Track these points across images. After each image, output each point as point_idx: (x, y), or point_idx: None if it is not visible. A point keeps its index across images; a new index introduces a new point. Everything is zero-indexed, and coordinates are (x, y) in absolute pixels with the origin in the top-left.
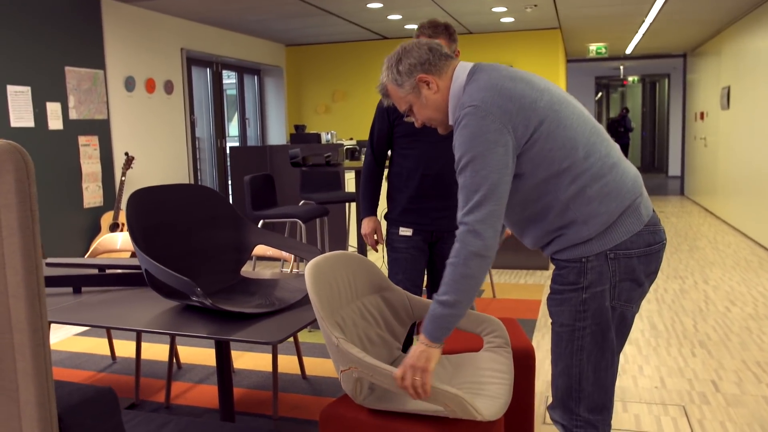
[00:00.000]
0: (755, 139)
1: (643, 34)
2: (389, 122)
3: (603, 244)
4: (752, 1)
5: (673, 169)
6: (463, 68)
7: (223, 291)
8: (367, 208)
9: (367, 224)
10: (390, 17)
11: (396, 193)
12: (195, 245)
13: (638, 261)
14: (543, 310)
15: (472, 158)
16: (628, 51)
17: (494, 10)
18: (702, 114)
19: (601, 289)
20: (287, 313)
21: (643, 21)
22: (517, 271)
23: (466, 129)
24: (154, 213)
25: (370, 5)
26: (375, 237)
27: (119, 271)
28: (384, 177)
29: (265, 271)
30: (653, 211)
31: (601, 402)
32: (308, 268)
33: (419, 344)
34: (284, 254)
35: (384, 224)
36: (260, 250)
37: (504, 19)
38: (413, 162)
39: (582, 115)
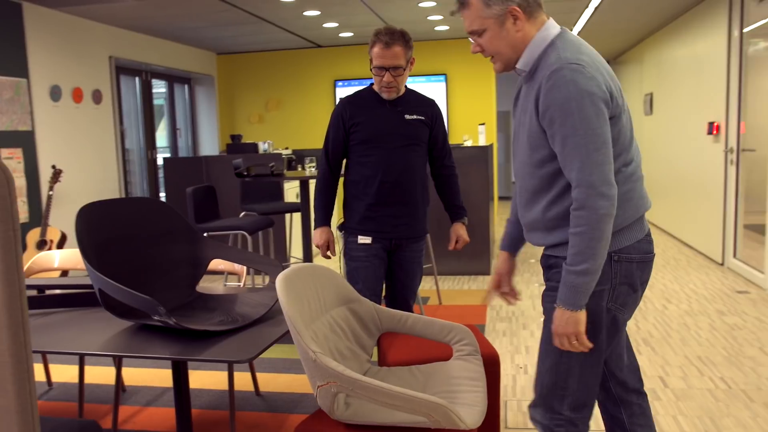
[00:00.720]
0: (677, 143)
1: None
2: (345, 130)
3: (610, 246)
4: (672, 12)
5: None
6: (553, 25)
7: (181, 308)
8: (321, 218)
9: (320, 235)
10: (326, 25)
11: (353, 201)
12: (148, 261)
13: (637, 267)
14: (490, 315)
15: (586, 117)
16: None
17: (429, 18)
18: None
19: (600, 290)
20: (253, 329)
21: (571, 30)
22: (459, 277)
23: (575, 85)
24: (105, 228)
25: (306, 13)
26: (328, 248)
27: (62, 291)
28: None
29: (213, 286)
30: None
31: (583, 400)
32: (279, 282)
33: (561, 312)
34: (236, 268)
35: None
36: (211, 264)
37: (439, 27)
38: (371, 169)
39: (630, 123)
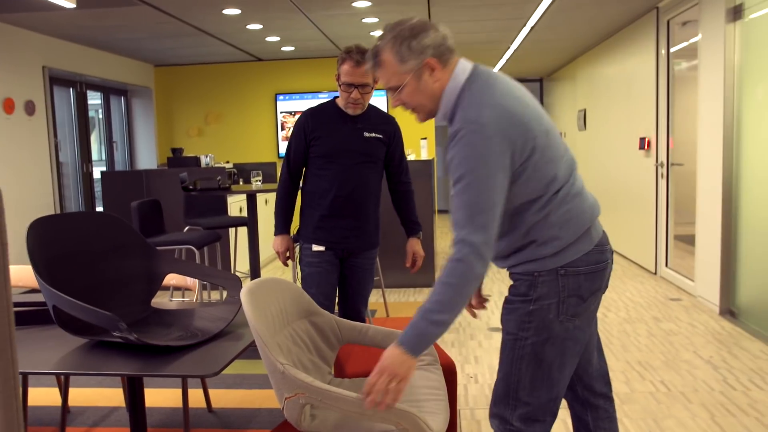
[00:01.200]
0: (611, 157)
1: (507, 60)
2: (306, 142)
3: (555, 262)
4: (605, 32)
5: None
6: (462, 68)
7: (137, 324)
8: (282, 226)
9: (281, 242)
10: (268, 39)
11: (309, 210)
12: (101, 276)
13: (584, 278)
14: None
15: (477, 178)
16: None
17: (372, 33)
18: (561, 134)
19: (548, 303)
20: (213, 344)
21: (508, 48)
22: (405, 289)
23: (471, 147)
24: (56, 243)
25: (249, 26)
26: (287, 255)
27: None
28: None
29: (160, 301)
30: (603, 232)
31: (534, 414)
32: (244, 295)
33: (399, 352)
34: (189, 282)
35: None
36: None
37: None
38: (327, 182)
39: (560, 145)
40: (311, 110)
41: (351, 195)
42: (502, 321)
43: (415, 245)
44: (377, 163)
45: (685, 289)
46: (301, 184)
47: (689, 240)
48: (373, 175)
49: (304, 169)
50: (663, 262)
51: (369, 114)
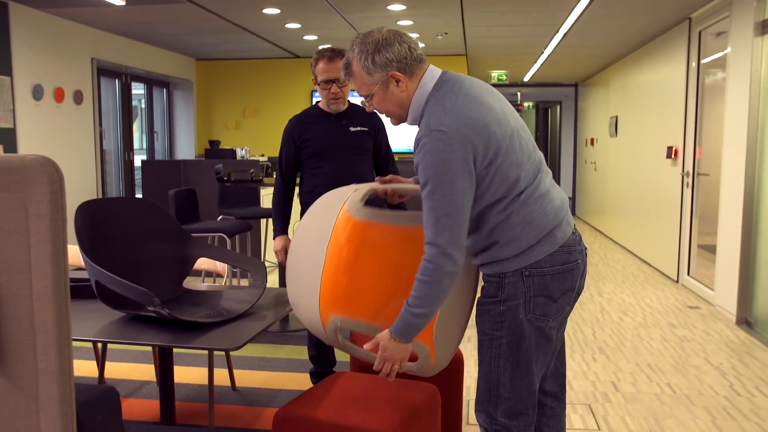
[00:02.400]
0: (639, 165)
1: (541, 65)
2: (295, 146)
3: (519, 263)
4: (637, 40)
5: (565, 190)
6: (431, 76)
7: (169, 302)
8: (279, 228)
9: (279, 242)
10: (306, 37)
11: (308, 208)
12: (139, 257)
13: (551, 278)
14: None
15: (440, 183)
16: (526, 79)
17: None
18: (593, 140)
19: (516, 303)
20: (238, 323)
21: (542, 52)
22: None
23: (433, 154)
24: (100, 225)
25: (288, 25)
26: (285, 254)
27: None
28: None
29: (193, 284)
30: (573, 233)
31: (517, 409)
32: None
33: (394, 341)
34: (218, 267)
35: None
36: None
37: None
38: (322, 179)
39: (528, 146)
40: (296, 117)
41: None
42: (477, 322)
43: None
44: (367, 154)
45: (705, 297)
46: (298, 188)
47: (713, 249)
48: (365, 166)
49: (298, 175)
50: (685, 270)
51: (351, 110)
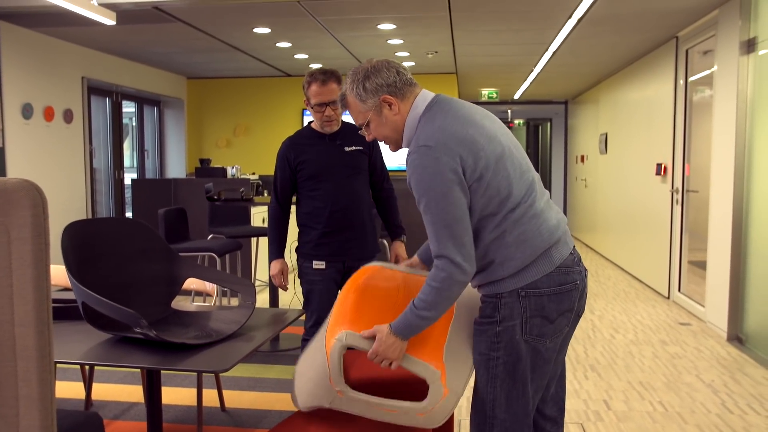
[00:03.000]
0: (629, 181)
1: (531, 82)
2: (291, 169)
3: (515, 283)
4: (626, 58)
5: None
6: (423, 98)
7: (157, 323)
8: (275, 252)
9: (275, 266)
10: (297, 56)
11: (306, 229)
12: (127, 278)
13: (548, 299)
14: None
15: (434, 197)
16: (516, 96)
17: (397, 54)
18: (583, 157)
19: (512, 324)
20: (227, 344)
21: (532, 70)
22: None
23: (423, 169)
24: (87, 245)
25: (279, 44)
26: (282, 278)
27: None
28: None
29: (182, 304)
30: (571, 253)
31: (512, 429)
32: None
33: (392, 337)
34: (208, 287)
35: (293, 257)
36: (186, 283)
37: (405, 63)
38: (320, 201)
39: (521, 165)
40: (290, 139)
41: (346, 209)
42: (474, 342)
43: (398, 248)
44: (363, 173)
45: (696, 314)
46: (294, 208)
47: (703, 266)
48: (362, 186)
49: (294, 196)
50: (676, 286)
51: (345, 130)
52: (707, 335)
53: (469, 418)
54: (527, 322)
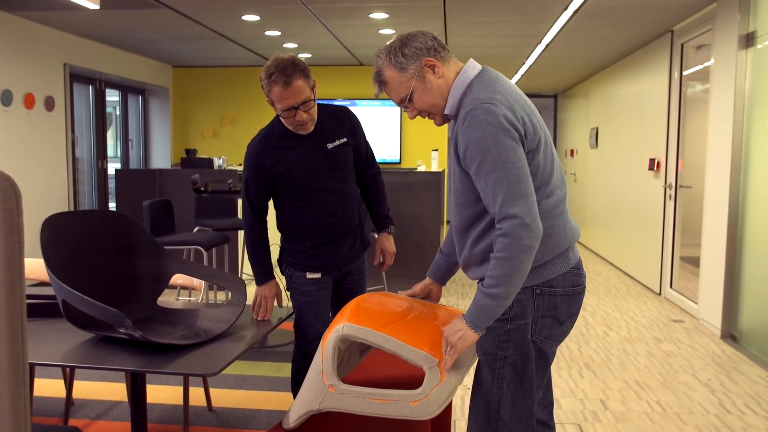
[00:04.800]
0: (621, 176)
1: (522, 75)
2: (268, 179)
3: (531, 280)
4: (619, 52)
5: None
6: (473, 66)
7: (142, 321)
8: (264, 274)
9: (269, 290)
10: (286, 45)
11: (296, 240)
12: (110, 273)
13: (561, 300)
14: None
15: (503, 152)
16: None
17: (388, 44)
18: (573, 151)
19: (524, 323)
20: (215, 344)
21: (524, 63)
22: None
23: (488, 125)
24: (68, 240)
25: (268, 32)
26: (277, 303)
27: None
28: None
29: (166, 300)
30: (579, 258)
31: (517, 431)
32: None
33: (464, 325)
34: (195, 283)
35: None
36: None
37: None
38: (310, 212)
39: (555, 159)
40: (260, 143)
41: (339, 215)
42: (478, 341)
43: (385, 241)
44: (351, 169)
45: (689, 311)
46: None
47: (695, 262)
48: (352, 185)
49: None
50: (668, 283)
51: (322, 120)
52: (701, 333)
53: (467, 420)
54: (538, 321)
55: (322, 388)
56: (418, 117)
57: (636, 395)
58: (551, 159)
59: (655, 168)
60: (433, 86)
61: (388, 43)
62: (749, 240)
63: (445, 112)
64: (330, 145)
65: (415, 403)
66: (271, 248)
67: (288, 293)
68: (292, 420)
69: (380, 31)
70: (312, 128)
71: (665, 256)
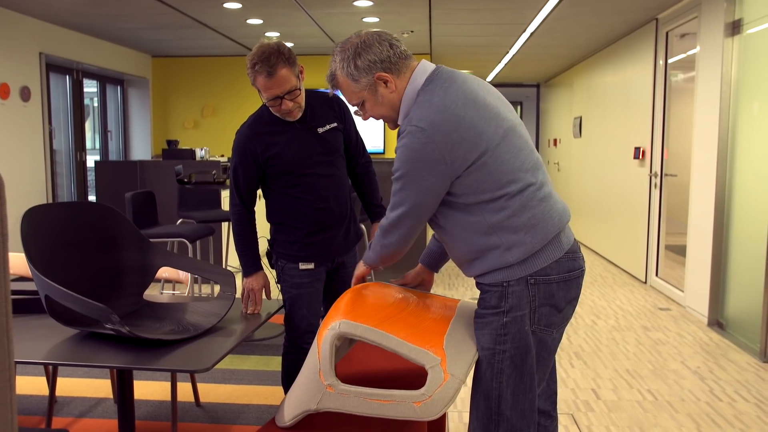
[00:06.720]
0: (605, 166)
1: (505, 65)
2: (258, 165)
3: (524, 270)
4: (603, 40)
5: None
6: (423, 70)
7: (129, 316)
8: (252, 263)
9: (256, 282)
10: (268, 34)
11: (287, 229)
12: (95, 267)
13: (558, 287)
14: None
15: (405, 175)
16: (489, 79)
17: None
18: (555, 140)
19: (521, 314)
20: (205, 339)
21: (507, 52)
22: None
23: (407, 148)
24: (50, 232)
25: (250, 21)
26: (265, 294)
27: None
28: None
29: (150, 293)
30: (574, 240)
31: (519, 427)
32: None
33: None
34: (181, 276)
35: (265, 262)
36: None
37: None
38: (301, 198)
39: (525, 147)
40: (249, 128)
41: (332, 201)
42: (476, 336)
43: None
44: (340, 153)
45: (675, 299)
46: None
47: (680, 250)
48: (342, 170)
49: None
50: (653, 271)
51: (311, 105)
52: (688, 320)
53: (468, 418)
54: (536, 311)
55: (320, 387)
56: None
57: (627, 384)
58: (517, 151)
59: (640, 157)
60: (384, 100)
61: (344, 43)
62: (735, 227)
63: (398, 122)
64: (320, 130)
65: (419, 404)
66: (258, 241)
67: (279, 286)
68: (287, 418)
69: (364, 20)
70: (299, 115)
71: (651, 244)
